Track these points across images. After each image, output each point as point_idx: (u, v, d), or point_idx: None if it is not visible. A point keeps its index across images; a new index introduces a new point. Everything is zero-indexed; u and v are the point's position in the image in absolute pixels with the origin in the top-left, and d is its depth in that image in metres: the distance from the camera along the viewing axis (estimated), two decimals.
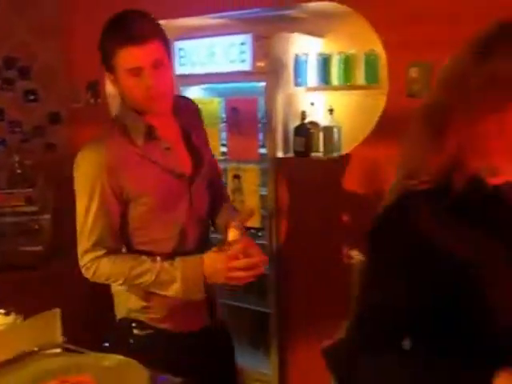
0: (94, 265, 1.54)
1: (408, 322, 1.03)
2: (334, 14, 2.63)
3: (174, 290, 1.53)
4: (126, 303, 1.64)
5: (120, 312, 1.67)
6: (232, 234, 1.52)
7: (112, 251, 1.55)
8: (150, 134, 1.55)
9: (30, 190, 2.83)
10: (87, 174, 1.51)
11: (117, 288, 1.64)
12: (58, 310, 1.39)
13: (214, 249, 1.55)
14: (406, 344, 1.07)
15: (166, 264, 1.52)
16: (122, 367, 1.21)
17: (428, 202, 0.98)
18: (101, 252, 1.54)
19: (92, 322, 2.98)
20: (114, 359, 1.25)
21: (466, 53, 0.98)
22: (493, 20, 0.97)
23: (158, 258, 1.54)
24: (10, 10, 3.06)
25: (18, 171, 2.84)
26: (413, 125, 1.05)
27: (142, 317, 1.62)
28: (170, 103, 1.57)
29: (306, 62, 2.69)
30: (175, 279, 1.52)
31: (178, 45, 2.79)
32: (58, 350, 1.33)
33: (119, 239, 1.58)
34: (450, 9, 2.19)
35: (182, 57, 2.81)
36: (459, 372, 0.97)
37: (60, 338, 1.38)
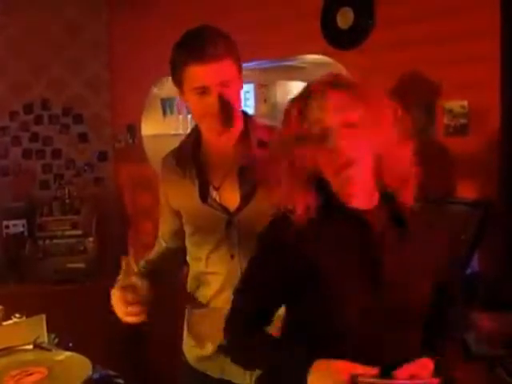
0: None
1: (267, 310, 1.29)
2: (329, 63, 2.97)
3: None
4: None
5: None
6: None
7: (161, 247, 1.73)
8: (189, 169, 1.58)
9: (76, 216, 3.41)
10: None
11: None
12: (43, 316, 1.72)
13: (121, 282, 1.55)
14: None
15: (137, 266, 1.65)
16: (70, 360, 1.51)
17: (296, 224, 1.20)
18: (158, 241, 1.76)
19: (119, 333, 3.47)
20: (65, 354, 1.55)
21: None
22: None
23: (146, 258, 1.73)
24: (66, 70, 3.69)
25: (67, 201, 3.43)
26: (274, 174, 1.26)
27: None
28: (233, 121, 1.50)
29: None
30: None
31: None
32: (31, 347, 1.63)
33: (174, 240, 1.71)
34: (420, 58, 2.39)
35: None
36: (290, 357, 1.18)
37: (44, 337, 1.69)
